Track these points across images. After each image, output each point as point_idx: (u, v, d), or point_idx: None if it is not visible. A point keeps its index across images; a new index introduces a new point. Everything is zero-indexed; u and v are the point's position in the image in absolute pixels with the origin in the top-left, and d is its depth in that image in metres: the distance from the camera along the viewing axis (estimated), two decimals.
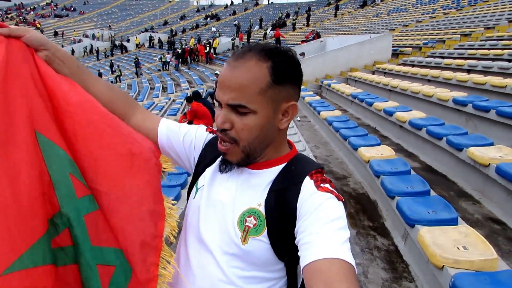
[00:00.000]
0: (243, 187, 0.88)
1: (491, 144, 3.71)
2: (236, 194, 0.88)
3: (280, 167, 0.88)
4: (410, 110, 5.64)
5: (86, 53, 37.21)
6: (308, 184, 0.83)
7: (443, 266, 2.06)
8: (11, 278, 0.61)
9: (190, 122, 7.84)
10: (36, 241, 0.67)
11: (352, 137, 4.74)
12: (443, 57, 9.48)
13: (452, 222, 2.47)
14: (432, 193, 3.03)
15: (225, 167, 0.90)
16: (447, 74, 7.20)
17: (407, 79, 8.33)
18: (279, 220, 0.82)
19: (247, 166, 0.89)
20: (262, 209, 0.84)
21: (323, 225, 0.74)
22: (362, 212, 3.55)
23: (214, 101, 0.83)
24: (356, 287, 0.66)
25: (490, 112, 4.55)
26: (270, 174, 0.88)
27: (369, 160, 3.88)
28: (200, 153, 1.03)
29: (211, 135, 1.04)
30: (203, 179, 0.97)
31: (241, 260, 0.84)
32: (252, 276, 0.84)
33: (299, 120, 7.90)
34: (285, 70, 0.81)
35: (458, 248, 2.16)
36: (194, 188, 0.98)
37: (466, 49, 9.42)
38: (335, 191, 0.82)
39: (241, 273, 0.84)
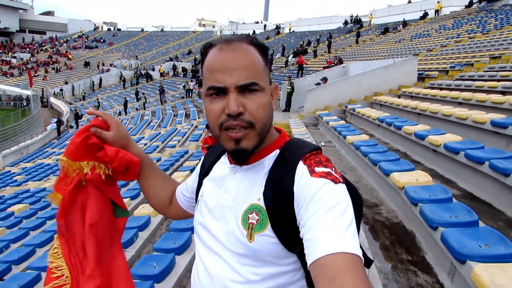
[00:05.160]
0: (241, 185, 0.87)
1: None
2: (236, 193, 0.87)
3: (273, 156, 0.87)
4: (444, 134, 5.29)
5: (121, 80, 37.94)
6: (301, 170, 0.80)
7: None
8: None
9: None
10: None
11: (382, 162, 4.44)
12: (473, 80, 9.09)
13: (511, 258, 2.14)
14: (481, 224, 2.69)
15: (239, 160, 0.87)
16: (480, 96, 6.82)
17: (436, 102, 7.97)
18: (279, 211, 0.80)
19: (240, 164, 0.88)
20: (262, 203, 0.82)
21: (320, 217, 0.71)
22: (398, 244, 3.21)
23: (210, 91, 0.82)
24: (362, 278, 0.63)
25: None
26: (265, 164, 0.86)
27: (403, 186, 3.57)
28: (200, 171, 1.04)
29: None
30: (201, 190, 0.98)
31: (251, 259, 0.82)
32: (266, 273, 0.81)
33: (323, 145, 7.64)
34: (267, 55, 0.86)
35: None
36: (197, 201, 1.01)
37: (497, 71, 9.02)
38: (332, 172, 0.78)
39: (254, 270, 0.82)
